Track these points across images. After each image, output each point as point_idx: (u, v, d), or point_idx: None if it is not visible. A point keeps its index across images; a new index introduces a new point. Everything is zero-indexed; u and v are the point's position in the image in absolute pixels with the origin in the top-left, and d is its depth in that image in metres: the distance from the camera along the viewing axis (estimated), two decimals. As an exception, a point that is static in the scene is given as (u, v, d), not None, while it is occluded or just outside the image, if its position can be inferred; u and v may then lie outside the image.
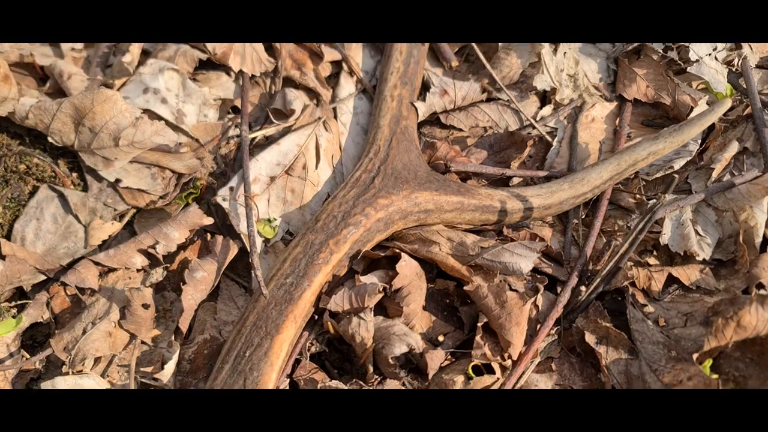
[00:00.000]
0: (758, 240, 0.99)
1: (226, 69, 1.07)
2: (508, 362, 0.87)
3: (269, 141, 1.04)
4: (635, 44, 1.15)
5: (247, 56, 1.05)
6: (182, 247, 0.91)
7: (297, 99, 1.03)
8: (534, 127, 1.11)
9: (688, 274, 1.00)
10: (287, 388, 0.86)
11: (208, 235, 0.93)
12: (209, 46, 1.03)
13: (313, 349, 0.88)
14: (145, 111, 0.97)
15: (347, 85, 1.11)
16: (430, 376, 0.86)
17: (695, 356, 0.85)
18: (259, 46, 1.06)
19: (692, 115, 1.11)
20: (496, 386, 0.86)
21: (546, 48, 1.10)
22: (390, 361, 0.84)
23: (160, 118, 0.97)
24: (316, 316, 0.91)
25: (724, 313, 0.85)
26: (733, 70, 1.15)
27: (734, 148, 1.08)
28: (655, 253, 1.04)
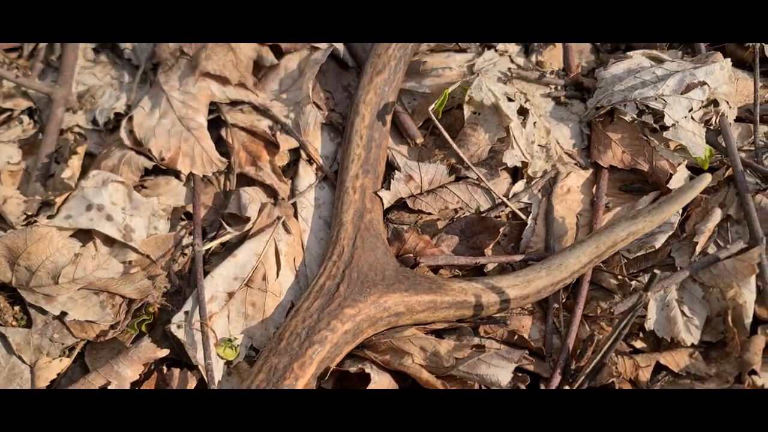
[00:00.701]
0: (748, 320, 0.95)
1: (176, 172, 1.01)
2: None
3: (226, 248, 0.99)
4: (608, 107, 1.10)
5: (197, 157, 1.00)
6: (137, 383, 0.86)
7: (252, 202, 0.98)
8: (507, 206, 1.06)
9: (677, 360, 0.96)
10: None
11: (164, 368, 0.88)
12: (154, 152, 0.98)
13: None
14: (90, 231, 0.92)
15: (306, 175, 1.06)
16: None
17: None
18: (209, 146, 1.02)
19: (671, 182, 1.07)
20: None
21: (514, 121, 1.06)
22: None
23: (106, 238, 0.92)
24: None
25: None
26: (712, 128, 1.11)
27: (717, 216, 1.04)
28: (641, 335, 1.00)
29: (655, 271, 0.79)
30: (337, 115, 1.14)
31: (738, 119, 1.17)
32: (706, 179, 0.97)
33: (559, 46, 1.22)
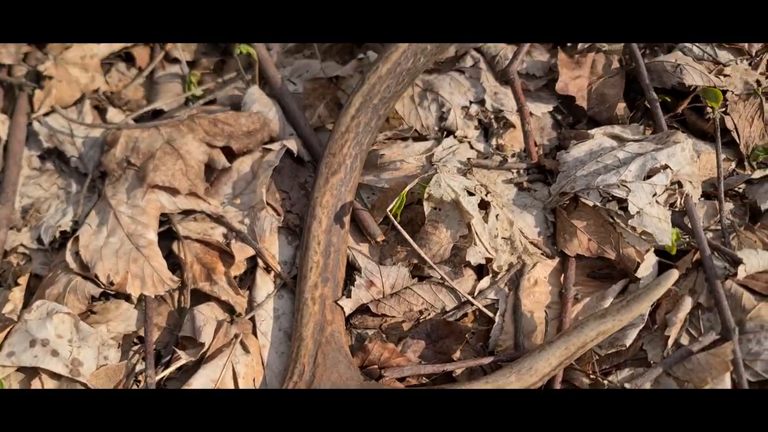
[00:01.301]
0: (725, 419, 0.92)
1: (126, 295, 0.98)
2: None
3: (183, 370, 0.95)
4: (572, 194, 1.09)
5: (147, 278, 0.96)
6: None
7: (207, 323, 0.95)
8: (472, 304, 1.04)
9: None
10: None
11: None
12: (101, 277, 0.95)
13: None
14: (34, 369, 0.88)
15: (264, 285, 1.03)
16: None
17: None
18: (160, 264, 0.98)
19: (639, 270, 1.05)
20: None
21: (476, 217, 1.04)
22: None
23: (52, 373, 0.88)
24: None
25: None
26: (677, 209, 1.10)
27: (688, 305, 1.02)
28: None
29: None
30: (294, 216, 1.11)
31: (704, 194, 1.16)
32: (673, 276, 0.95)
33: (520, 126, 1.21)
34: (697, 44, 1.34)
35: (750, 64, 1.34)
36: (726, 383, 0.94)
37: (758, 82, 1.28)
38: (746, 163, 1.22)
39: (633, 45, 1.28)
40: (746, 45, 1.34)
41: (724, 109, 1.24)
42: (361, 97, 1.08)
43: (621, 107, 1.28)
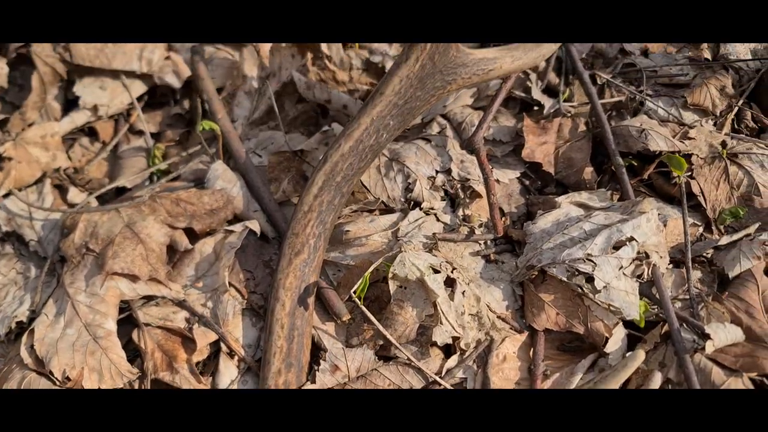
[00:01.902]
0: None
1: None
2: None
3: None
4: (538, 267, 1.08)
5: (105, 371, 0.95)
6: None
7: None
8: (440, 383, 1.02)
9: None
10: None
11: None
12: (56, 373, 0.93)
13: None
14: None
15: (228, 370, 1.02)
16: None
17: None
18: (118, 357, 0.97)
19: (608, 345, 1.05)
20: None
21: (441, 296, 1.03)
22: None
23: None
24: None
25: None
26: (644, 280, 1.10)
27: (657, 380, 1.02)
28: None
29: None
30: (259, 296, 1.10)
31: (673, 260, 1.16)
32: (640, 357, 0.95)
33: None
34: (662, 106, 1.35)
35: (715, 124, 1.36)
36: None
37: (723, 143, 1.29)
38: (713, 227, 1.22)
39: (599, 109, 1.30)
40: (710, 105, 1.35)
41: (689, 173, 1.25)
42: (323, 176, 1.08)
43: (588, 171, 1.28)
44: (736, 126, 1.37)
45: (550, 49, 1.24)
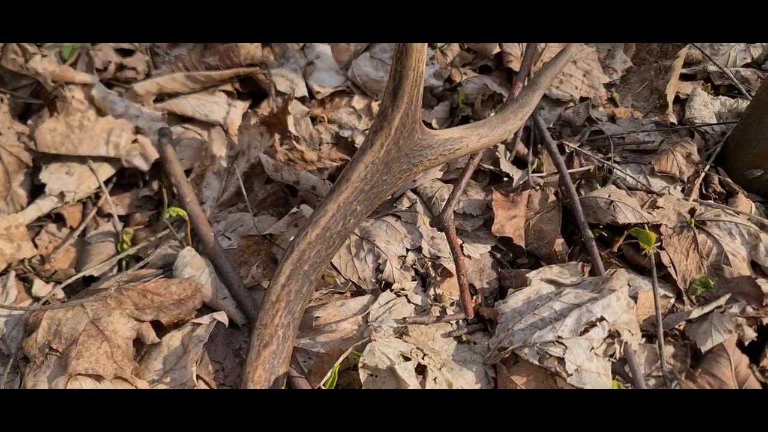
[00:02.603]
0: None
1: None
2: None
3: None
4: (511, 349, 1.08)
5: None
6: None
7: None
8: (415, 476, 1.01)
9: None
10: None
11: None
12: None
13: None
14: None
15: (196, 470, 0.98)
16: None
17: None
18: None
19: None
20: None
21: (412, 385, 1.02)
22: None
23: None
24: None
25: None
26: (617, 360, 1.10)
27: (633, 465, 1.00)
28: None
29: None
30: (228, 388, 1.09)
31: (645, 333, 1.17)
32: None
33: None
34: (630, 174, 1.37)
35: (683, 190, 1.37)
36: None
37: (692, 211, 1.31)
38: (685, 298, 1.23)
39: (567, 179, 1.31)
40: (678, 172, 1.37)
41: (659, 243, 1.26)
42: (290, 265, 1.08)
43: (559, 243, 1.29)
44: (704, 191, 1.39)
45: (515, 125, 1.25)
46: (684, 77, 1.57)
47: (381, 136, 1.11)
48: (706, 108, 1.48)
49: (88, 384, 1.03)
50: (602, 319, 1.09)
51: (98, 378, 1.03)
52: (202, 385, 1.07)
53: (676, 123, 1.47)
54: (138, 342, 1.10)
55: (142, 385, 1.06)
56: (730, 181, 1.40)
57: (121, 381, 1.04)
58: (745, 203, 1.36)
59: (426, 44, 1.05)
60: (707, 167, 1.39)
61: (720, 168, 1.42)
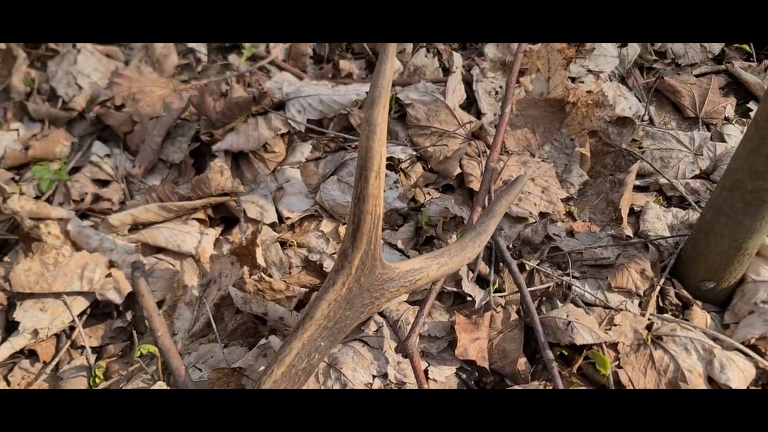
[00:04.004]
0: None
1: None
2: None
3: None
4: None
5: None
6: None
7: None
8: None
9: None
10: None
11: None
12: None
13: None
14: None
15: None
16: None
17: None
18: None
19: None
20: None
21: None
22: None
23: None
24: None
25: None
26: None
27: None
28: None
29: None
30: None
31: None
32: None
33: (423, 399, 1.24)
34: (588, 290, 1.43)
35: (640, 304, 1.43)
36: None
37: (649, 326, 1.37)
38: (645, 417, 1.26)
39: (528, 299, 1.37)
40: (633, 287, 1.44)
41: (617, 362, 1.31)
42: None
43: (522, 362, 1.34)
44: (661, 303, 1.46)
45: (474, 252, 1.32)
46: (638, 189, 1.65)
47: (342, 275, 1.17)
48: (659, 220, 1.56)
49: None
50: (561, 447, 1.12)
51: None
52: None
53: (631, 236, 1.55)
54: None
55: None
56: (686, 292, 1.46)
57: None
58: (700, 316, 1.42)
59: (382, 191, 1.13)
60: (662, 280, 1.46)
61: (675, 280, 1.49)
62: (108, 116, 1.67)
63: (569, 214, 1.62)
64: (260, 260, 1.35)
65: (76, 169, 1.62)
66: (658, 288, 1.45)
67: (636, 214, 1.60)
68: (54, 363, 1.34)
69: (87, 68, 1.75)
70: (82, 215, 1.52)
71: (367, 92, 1.72)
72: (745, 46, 1.94)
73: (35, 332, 1.33)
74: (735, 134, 1.72)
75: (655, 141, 1.71)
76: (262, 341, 1.29)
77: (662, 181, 1.64)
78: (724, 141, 1.71)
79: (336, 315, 1.18)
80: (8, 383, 1.30)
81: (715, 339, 1.36)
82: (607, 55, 1.83)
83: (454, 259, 1.32)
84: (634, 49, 1.86)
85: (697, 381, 1.29)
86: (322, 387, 1.28)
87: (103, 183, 1.59)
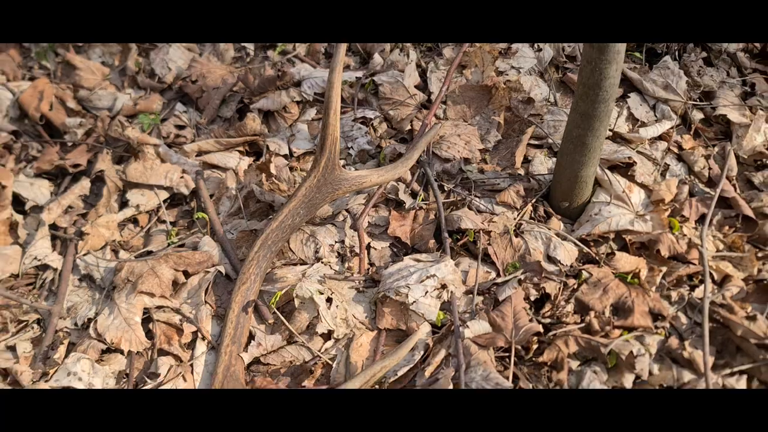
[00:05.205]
0: None
1: (121, 351, 1.80)
2: None
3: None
4: (383, 293, 1.91)
5: (133, 342, 1.79)
6: None
7: (164, 364, 1.75)
8: (320, 357, 1.83)
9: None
10: None
11: None
12: (108, 340, 1.78)
13: None
14: (67, 387, 1.69)
15: (200, 347, 1.84)
16: None
17: None
18: (141, 335, 1.81)
19: (418, 334, 1.84)
20: None
21: (322, 306, 1.86)
22: None
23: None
24: None
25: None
26: (445, 301, 1.91)
27: (442, 354, 1.80)
28: None
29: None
30: (221, 309, 1.95)
31: (470, 291, 1.97)
32: (424, 330, 1.75)
33: (364, 257, 2.06)
34: (482, 203, 2.21)
35: (515, 216, 2.20)
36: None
37: (519, 225, 2.13)
38: (501, 274, 2.03)
39: (440, 205, 2.15)
40: (512, 202, 2.20)
41: (488, 242, 2.08)
42: (261, 241, 1.96)
43: (431, 243, 2.12)
44: (533, 216, 2.22)
45: (402, 170, 2.13)
46: (534, 146, 2.42)
47: (314, 172, 2.00)
48: (542, 165, 2.32)
49: (146, 299, 1.90)
50: (434, 275, 1.91)
51: (152, 295, 1.91)
52: (207, 306, 1.93)
53: (523, 175, 2.32)
54: (174, 282, 1.98)
55: (175, 303, 1.93)
56: (551, 209, 2.22)
57: (164, 299, 1.92)
58: (555, 223, 2.17)
59: (338, 122, 1.96)
60: (534, 200, 2.23)
61: (545, 202, 2.25)
62: (186, 87, 2.57)
63: (483, 160, 2.40)
64: (273, 172, 2.21)
65: (164, 119, 2.53)
66: (530, 204, 2.21)
67: (528, 162, 2.37)
68: (147, 228, 2.22)
69: (175, 57, 2.67)
70: (168, 145, 2.41)
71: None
72: (637, 53, 2.68)
73: (138, 207, 2.21)
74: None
75: (553, 115, 2.47)
76: (270, 217, 2.14)
77: (550, 141, 2.40)
78: (599, 116, 2.45)
79: (310, 195, 2.01)
80: (122, 235, 2.18)
81: (558, 235, 2.11)
82: (526, 57, 2.62)
83: (389, 173, 2.12)
84: (548, 53, 2.64)
85: (537, 255, 2.04)
86: (304, 246, 2.10)
87: (181, 127, 2.48)
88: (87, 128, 2.38)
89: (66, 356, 1.79)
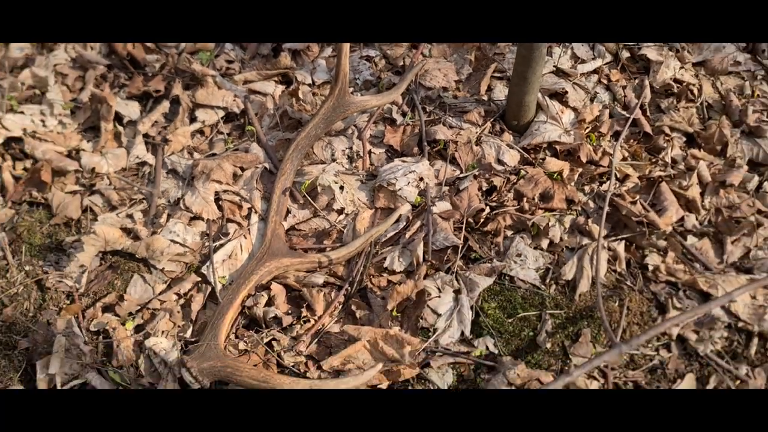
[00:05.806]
0: (420, 260, 2.56)
1: (202, 218, 2.69)
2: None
3: (221, 245, 2.64)
4: (379, 183, 2.77)
5: (210, 212, 2.67)
6: (190, 289, 2.49)
7: (231, 228, 2.65)
8: (335, 225, 2.71)
9: None
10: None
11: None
12: (194, 210, 2.67)
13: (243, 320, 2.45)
14: (170, 240, 2.59)
15: (254, 218, 2.73)
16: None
17: None
18: (214, 208, 2.69)
19: (400, 210, 2.71)
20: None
21: (337, 191, 2.72)
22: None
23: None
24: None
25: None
26: (422, 188, 2.76)
27: (418, 224, 2.68)
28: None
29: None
30: (268, 193, 2.82)
31: (439, 183, 2.82)
32: (406, 208, 2.61)
33: (366, 159, 2.90)
34: (455, 121, 3.01)
35: (477, 131, 3.00)
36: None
37: (478, 137, 2.94)
38: (463, 172, 2.87)
39: (422, 122, 2.96)
40: (475, 120, 3.00)
41: (456, 149, 2.90)
42: (294, 146, 2.80)
43: (416, 150, 2.95)
44: (490, 131, 3.02)
45: (394, 96, 2.93)
46: (498, 78, 3.20)
47: (330, 97, 2.80)
48: (501, 92, 3.10)
49: (215, 185, 2.77)
50: (413, 171, 2.74)
51: (219, 182, 2.77)
52: (257, 191, 2.79)
53: (486, 100, 3.12)
54: (234, 174, 2.83)
55: (236, 188, 2.80)
56: (504, 126, 3.02)
57: (227, 185, 2.79)
58: (507, 136, 2.98)
59: (347, 62, 2.75)
60: (493, 119, 3.03)
61: (502, 120, 3.05)
62: (233, 30, 3.36)
63: (457, 89, 3.19)
64: (301, 96, 3.02)
65: (217, 55, 3.33)
66: (489, 122, 3.01)
67: (491, 90, 3.15)
68: (210, 137, 3.06)
69: (222, 4, 3.44)
70: (222, 75, 3.22)
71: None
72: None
73: (203, 122, 3.04)
74: (559, 52, 3.22)
75: (513, 54, 3.23)
76: (299, 130, 2.97)
77: (508, 74, 3.18)
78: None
79: (328, 113, 2.82)
80: (193, 142, 3.03)
81: (507, 144, 2.93)
82: (495, 7, 3.35)
83: (386, 98, 2.93)
84: (513, 4, 3.36)
85: (490, 159, 2.87)
86: (323, 151, 2.94)
87: (230, 62, 3.28)
88: (162, 62, 3.20)
89: (167, 221, 2.68)
